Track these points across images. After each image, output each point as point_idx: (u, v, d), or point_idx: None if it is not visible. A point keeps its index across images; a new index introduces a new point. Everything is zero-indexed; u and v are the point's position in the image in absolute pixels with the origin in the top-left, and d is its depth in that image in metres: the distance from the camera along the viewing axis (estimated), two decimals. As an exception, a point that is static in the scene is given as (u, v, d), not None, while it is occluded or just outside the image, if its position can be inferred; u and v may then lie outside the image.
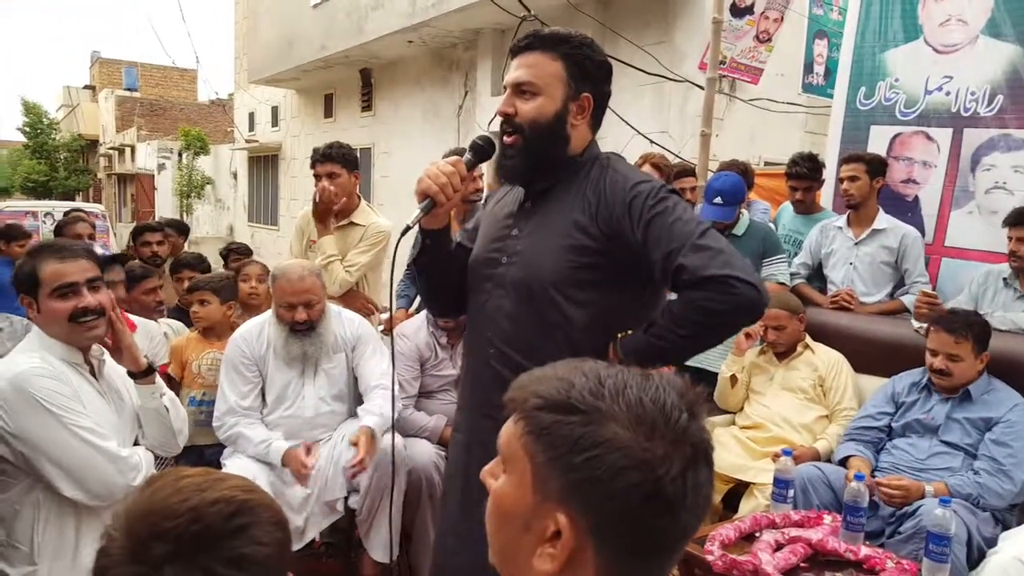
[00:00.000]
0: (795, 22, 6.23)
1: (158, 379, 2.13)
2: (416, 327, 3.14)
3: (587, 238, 1.59)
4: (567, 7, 6.65)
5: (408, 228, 1.64)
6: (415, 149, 9.62)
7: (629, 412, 0.71)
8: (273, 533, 0.87)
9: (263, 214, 16.05)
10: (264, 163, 15.75)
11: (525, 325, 1.64)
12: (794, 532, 2.29)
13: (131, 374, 2.08)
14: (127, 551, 0.82)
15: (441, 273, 1.84)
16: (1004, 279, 3.14)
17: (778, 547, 2.22)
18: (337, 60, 10.68)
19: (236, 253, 4.81)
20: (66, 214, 5.16)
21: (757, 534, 2.33)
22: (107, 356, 2.06)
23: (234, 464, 2.69)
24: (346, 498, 2.75)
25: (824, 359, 3.19)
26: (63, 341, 1.92)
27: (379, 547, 2.76)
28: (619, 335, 1.58)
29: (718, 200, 3.47)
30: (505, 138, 1.66)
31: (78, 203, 15.74)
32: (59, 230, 4.79)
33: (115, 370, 2.08)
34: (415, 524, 2.89)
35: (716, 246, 1.48)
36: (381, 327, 3.49)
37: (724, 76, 5.80)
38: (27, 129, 30.37)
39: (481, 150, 1.71)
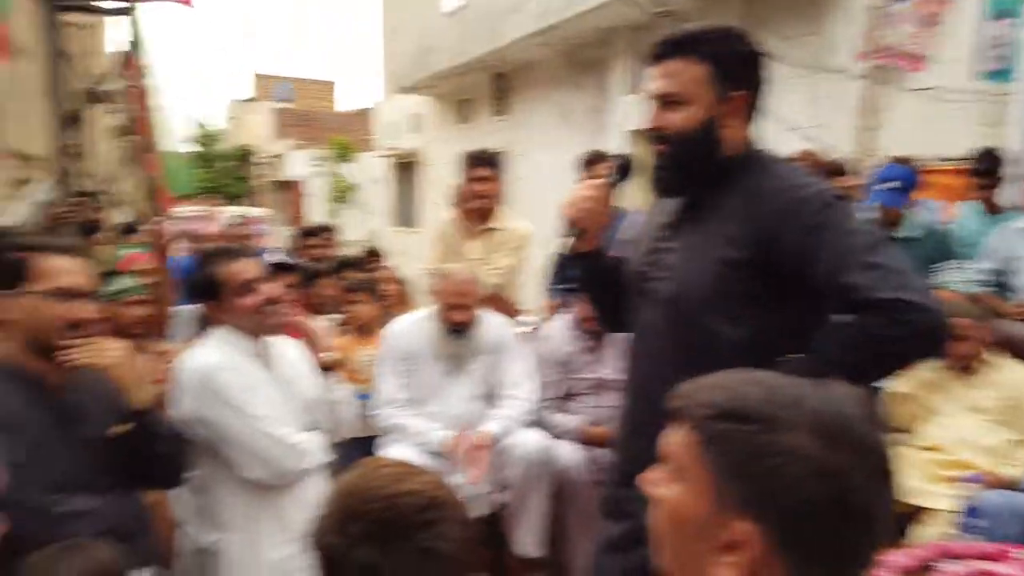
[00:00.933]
0: (967, 1, 5.70)
1: (332, 375, 2.31)
2: (560, 329, 3.18)
3: (742, 251, 1.46)
4: (705, 0, 6.46)
5: (563, 257, 1.66)
6: (549, 151, 9.68)
7: (810, 421, 0.71)
8: (459, 531, 0.93)
9: (404, 218, 16.73)
10: (405, 169, 16.42)
11: (675, 344, 1.56)
12: (979, 566, 2.10)
13: (310, 368, 2.26)
14: (333, 523, 0.92)
15: (604, 292, 1.81)
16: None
17: None
18: (472, 66, 10.94)
19: (372, 256, 5.10)
20: (234, 218, 5.62)
21: (934, 565, 2.15)
22: (278, 348, 2.25)
23: (393, 452, 2.82)
24: (491, 490, 2.84)
25: (1014, 376, 2.88)
26: (248, 333, 2.12)
27: (523, 542, 2.85)
28: (778, 360, 1.46)
29: (890, 185, 3.29)
30: (656, 151, 1.59)
31: (245, 208, 17.03)
32: (229, 234, 5.26)
33: (287, 360, 2.26)
34: (559, 523, 2.93)
35: (890, 264, 1.33)
36: (524, 329, 3.56)
37: (884, 65, 5.42)
38: (197, 141, 33.38)
39: (623, 171, 1.69)
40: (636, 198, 3.35)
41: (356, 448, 2.89)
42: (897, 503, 2.76)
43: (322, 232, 5.34)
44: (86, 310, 1.72)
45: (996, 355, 2.96)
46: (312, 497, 2.20)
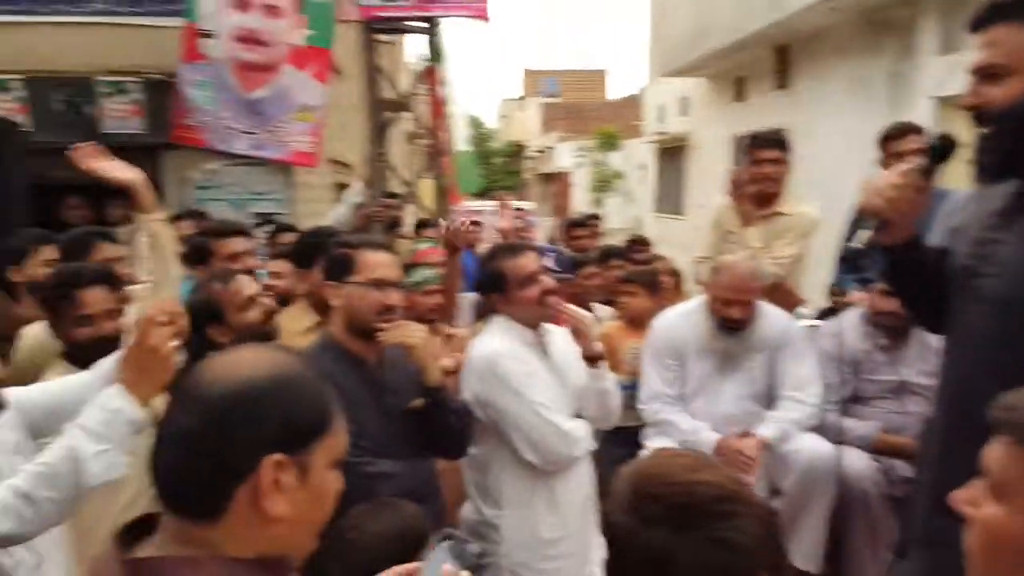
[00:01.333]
0: None
1: (603, 365, 2.38)
2: (851, 325, 2.91)
3: None
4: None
5: (859, 251, 1.51)
6: (839, 126, 8.88)
7: None
8: (756, 528, 0.90)
9: (670, 204, 16.53)
10: (672, 154, 16.21)
11: (1004, 352, 1.35)
12: None
13: (584, 357, 2.34)
14: (628, 503, 0.94)
15: (917, 288, 1.62)
16: None
17: None
18: (751, 41, 10.41)
19: (638, 245, 5.06)
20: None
21: None
22: (553, 337, 2.36)
23: (658, 444, 2.83)
24: (765, 498, 2.70)
25: None
26: (527, 324, 2.27)
27: (800, 553, 2.67)
28: None
29: None
30: (980, 130, 1.40)
31: (514, 202, 18.14)
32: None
33: (562, 350, 2.37)
34: (844, 537, 2.71)
35: None
36: (807, 323, 3.33)
37: None
38: (471, 140, 36.17)
39: (940, 151, 1.46)
40: (959, 177, 2.94)
41: (621, 438, 2.93)
42: None
43: (588, 222, 5.49)
44: (396, 298, 1.99)
45: None
46: (579, 483, 2.30)
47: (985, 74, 1.37)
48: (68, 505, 1.35)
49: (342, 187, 5.76)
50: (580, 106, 31.94)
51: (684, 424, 2.81)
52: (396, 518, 1.54)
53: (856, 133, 7.68)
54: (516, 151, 36.64)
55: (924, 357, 2.74)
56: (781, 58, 10.76)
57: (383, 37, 5.40)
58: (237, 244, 2.71)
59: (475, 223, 5.80)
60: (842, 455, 2.66)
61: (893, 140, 3.17)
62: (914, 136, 3.07)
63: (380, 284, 1.95)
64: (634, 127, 22.39)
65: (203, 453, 0.84)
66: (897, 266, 1.58)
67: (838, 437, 2.74)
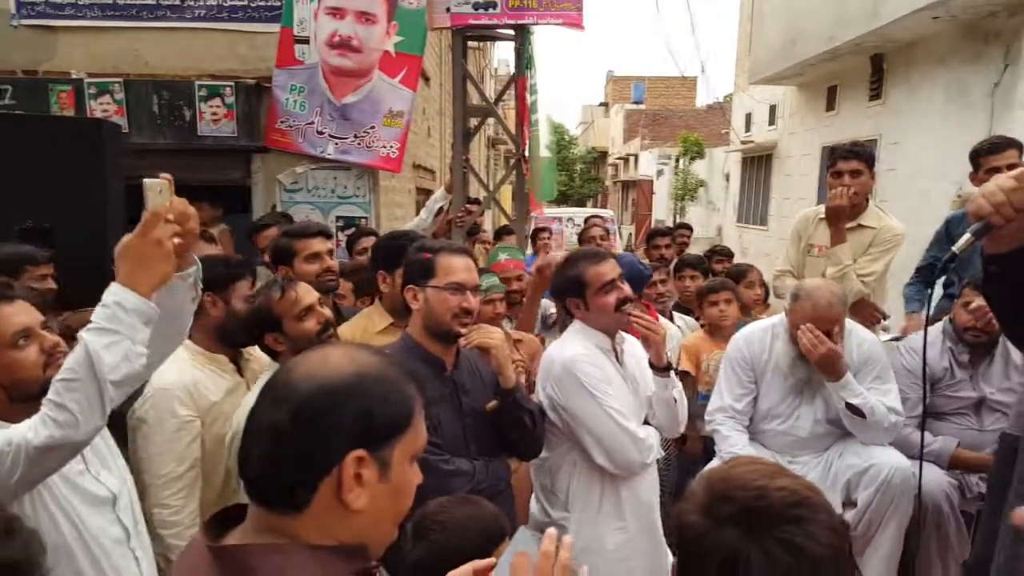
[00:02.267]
0: None
1: (672, 374, 2.39)
2: (930, 341, 2.83)
3: None
4: None
5: (954, 256, 1.42)
6: (931, 138, 8.52)
7: None
8: (828, 536, 0.92)
9: (753, 214, 16.14)
10: (757, 163, 15.82)
11: None
12: None
13: (652, 366, 2.37)
14: (701, 504, 0.97)
15: (1015, 301, 1.53)
16: None
17: None
18: (845, 50, 10.10)
19: (720, 255, 5.00)
20: (586, 220, 6.03)
21: None
22: (627, 345, 2.39)
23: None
24: (840, 512, 2.66)
25: None
26: (604, 330, 2.31)
27: (873, 569, 2.60)
28: None
29: None
30: None
31: (593, 209, 18.12)
32: (582, 234, 5.63)
33: (634, 357, 2.40)
34: (919, 555, 2.63)
35: None
36: (889, 337, 3.24)
37: None
38: (553, 146, 36.17)
39: None
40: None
41: (699, 447, 2.91)
42: None
43: (674, 231, 5.46)
44: (473, 302, 2.06)
45: None
46: (646, 490, 2.32)
47: None
48: (98, 403, 1.39)
49: (424, 192, 5.92)
50: (664, 113, 31.53)
51: (731, 443, 2.75)
52: (477, 512, 1.57)
53: (951, 146, 7.35)
54: (598, 157, 36.48)
55: (1007, 374, 2.65)
56: (875, 67, 10.39)
57: (472, 44, 5.49)
58: (318, 244, 2.78)
59: (542, 229, 5.88)
60: (918, 470, 2.60)
61: (989, 155, 3.05)
62: (1013, 151, 2.95)
63: (459, 288, 2.02)
64: (720, 135, 21.96)
65: (289, 447, 0.87)
66: (996, 277, 1.51)
67: (914, 452, 2.67)
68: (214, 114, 4.91)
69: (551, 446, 2.31)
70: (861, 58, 10.41)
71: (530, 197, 4.91)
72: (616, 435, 2.18)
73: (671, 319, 3.73)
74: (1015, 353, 2.65)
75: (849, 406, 2.59)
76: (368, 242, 3.52)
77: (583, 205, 30.04)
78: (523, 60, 4.84)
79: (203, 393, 2.13)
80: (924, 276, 3.65)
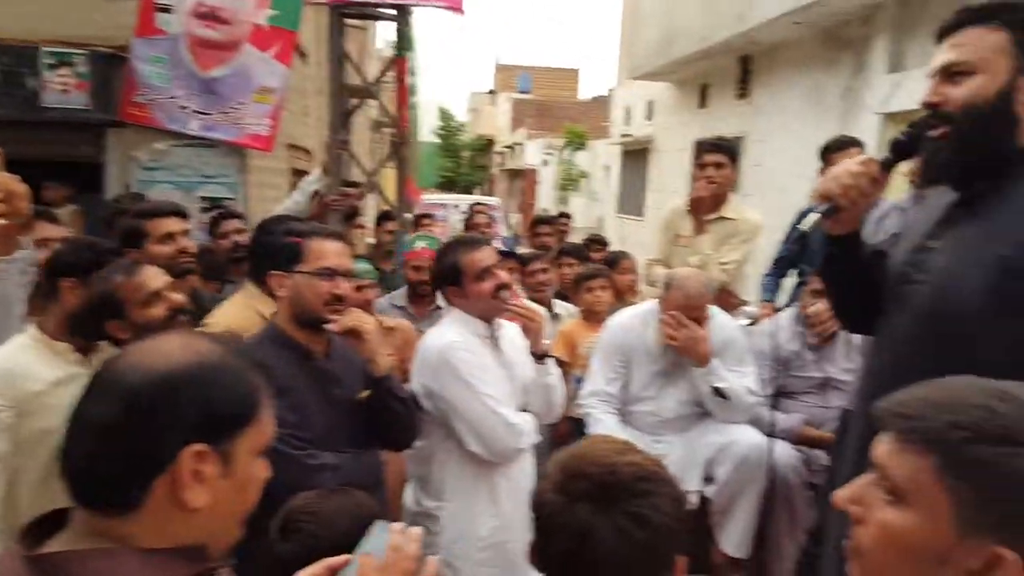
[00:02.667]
0: None
1: (550, 361, 2.42)
2: (784, 325, 3.03)
3: None
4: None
5: (802, 233, 1.54)
6: (792, 136, 9.12)
7: None
8: (671, 507, 0.97)
9: (631, 206, 16.72)
10: (636, 156, 16.39)
11: (932, 362, 1.29)
12: None
13: (531, 353, 2.39)
14: (557, 483, 1.00)
15: (849, 284, 1.62)
16: None
17: None
18: (716, 50, 10.62)
19: (597, 244, 5.15)
20: (471, 207, 6.02)
21: None
22: (505, 331, 2.39)
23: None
24: (701, 488, 2.80)
25: None
26: (481, 317, 2.30)
27: (731, 540, 2.78)
28: None
29: None
30: (931, 132, 1.39)
31: (479, 197, 18.16)
32: (467, 221, 5.65)
33: (511, 344, 2.40)
34: (767, 523, 2.82)
35: None
36: (744, 321, 3.44)
37: None
38: (440, 132, 35.92)
39: (902, 147, 1.47)
40: (896, 186, 3.06)
41: (571, 429, 2.98)
42: None
43: (556, 220, 5.56)
44: (346, 287, 1.99)
45: None
46: (521, 477, 2.34)
47: (948, 73, 1.36)
48: None
49: (301, 174, 5.70)
50: (550, 104, 32.03)
51: (603, 425, 2.83)
52: (349, 501, 1.54)
53: (808, 144, 7.90)
54: (484, 146, 36.57)
55: (848, 356, 2.89)
56: (743, 68, 10.98)
57: (352, 22, 5.35)
58: (171, 224, 2.57)
59: (427, 215, 5.84)
60: (771, 447, 2.76)
61: (836, 152, 3.30)
62: (855, 149, 3.20)
63: (330, 273, 1.95)
64: (602, 128, 22.55)
65: (119, 443, 0.81)
66: (835, 259, 1.60)
67: (768, 429, 2.84)
68: (63, 84, 4.49)
69: (426, 435, 2.29)
70: (731, 59, 10.98)
71: (409, 182, 4.84)
72: (490, 422, 2.19)
73: (551, 307, 3.79)
74: (857, 336, 2.89)
75: (714, 389, 2.72)
76: (232, 225, 3.34)
77: (470, 192, 30.03)
78: (403, 41, 4.75)
79: (22, 382, 1.89)
80: (781, 267, 3.91)
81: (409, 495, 2.40)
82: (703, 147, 3.47)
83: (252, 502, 0.93)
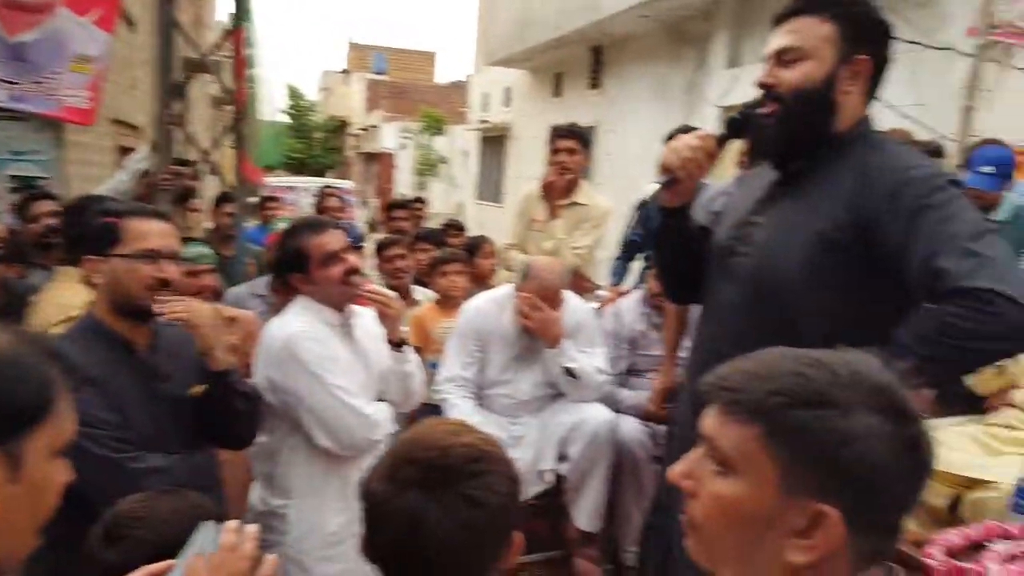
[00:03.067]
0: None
1: (407, 348, 2.35)
2: (630, 305, 3.16)
3: (838, 230, 1.39)
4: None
5: (643, 203, 1.62)
6: (641, 126, 9.53)
7: (877, 398, 0.71)
8: (505, 485, 0.97)
9: (490, 192, 16.86)
10: (494, 143, 16.50)
11: (754, 327, 1.45)
12: None
13: (388, 341, 2.31)
14: (385, 470, 0.97)
15: (678, 255, 1.74)
16: None
17: (1011, 559, 1.96)
18: (569, 39, 10.86)
19: (454, 229, 5.13)
20: (321, 190, 5.78)
21: (988, 544, 2.07)
22: (358, 319, 2.30)
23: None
24: (555, 466, 2.86)
25: None
26: (331, 304, 2.19)
27: (584, 515, 2.87)
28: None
29: (987, 169, 3.12)
30: (761, 109, 1.49)
31: (330, 180, 17.60)
32: (317, 205, 5.37)
33: (366, 332, 2.31)
34: (616, 497, 2.94)
35: (989, 253, 1.25)
36: (595, 304, 3.56)
37: (998, 42, 5.03)
38: (290, 111, 34.41)
39: (737, 124, 1.56)
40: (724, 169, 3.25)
41: (426, 415, 2.94)
42: (951, 483, 2.72)
43: (411, 204, 5.46)
44: (173, 271, 1.80)
45: None
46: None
47: (782, 58, 1.46)
48: None
49: (127, 151, 5.24)
50: (407, 86, 31.53)
51: (460, 410, 2.84)
52: (181, 502, 1.42)
53: (656, 134, 8.28)
54: (338, 127, 35.48)
55: (689, 333, 3.04)
56: (595, 58, 11.33)
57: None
58: None
59: (271, 198, 5.54)
60: (619, 423, 2.89)
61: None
62: None
63: (152, 256, 1.76)
64: (460, 113, 22.52)
65: None
66: (668, 230, 1.71)
67: (616, 406, 2.97)
68: None
69: (270, 429, 2.16)
70: (583, 49, 11.29)
71: (245, 162, 4.55)
72: (340, 413, 2.09)
73: (409, 293, 3.72)
74: (695, 312, 3.06)
75: (565, 370, 2.78)
76: (44, 207, 2.98)
77: (323, 175, 29.05)
78: (240, 11, 4.44)
79: None
80: (629, 251, 4.06)
81: (255, 494, 2.26)
82: (556, 132, 3.53)
83: (49, 508, 0.85)
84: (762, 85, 1.49)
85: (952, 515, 2.66)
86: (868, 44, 1.45)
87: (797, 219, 1.47)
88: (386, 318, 2.27)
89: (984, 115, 5.19)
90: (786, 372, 0.74)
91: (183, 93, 4.70)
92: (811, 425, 0.70)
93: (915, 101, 5.81)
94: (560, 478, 2.88)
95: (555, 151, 3.47)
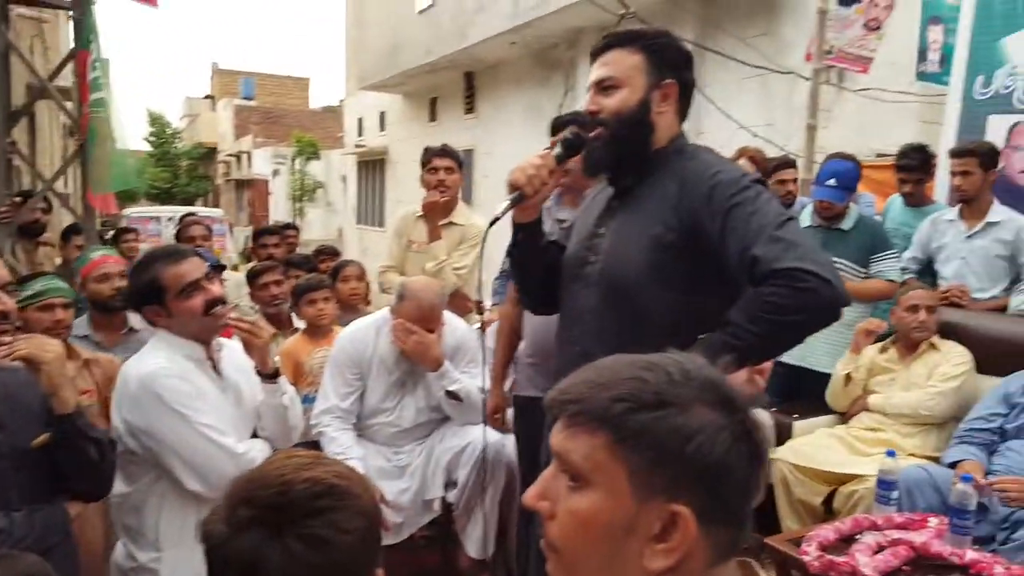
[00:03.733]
0: (907, 8, 5.85)
1: (282, 379, 2.24)
2: None
3: (670, 232, 1.58)
4: (667, 2, 6.54)
5: (496, 220, 1.68)
6: (516, 150, 9.72)
7: (709, 393, 0.74)
8: (356, 521, 0.90)
9: (371, 216, 16.64)
10: (372, 167, 16.33)
11: (611, 324, 1.64)
12: (896, 535, 2.20)
13: (259, 373, 2.19)
14: (224, 510, 0.89)
15: (533, 268, 1.87)
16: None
17: (879, 549, 2.14)
18: (442, 64, 10.95)
19: (325, 254, 5.03)
20: (182, 218, 5.49)
21: (858, 536, 2.25)
22: (226, 352, 2.17)
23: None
24: (443, 494, 2.81)
25: (950, 355, 3.02)
26: (194, 337, 2.03)
27: (475, 542, 2.81)
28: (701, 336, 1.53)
29: (832, 182, 3.40)
30: (591, 134, 1.68)
31: (199, 208, 16.77)
32: (178, 234, 5.07)
33: (235, 365, 2.18)
34: (510, 520, 2.91)
35: (792, 238, 1.44)
36: (475, 324, 3.58)
37: (831, 66, 5.55)
38: (152, 139, 32.60)
39: (571, 144, 1.71)
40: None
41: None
42: (825, 480, 2.94)
43: (282, 231, 5.29)
44: (9, 304, 1.63)
45: (939, 339, 3.10)
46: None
47: (601, 88, 1.65)
48: None
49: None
50: (279, 112, 30.63)
51: (340, 442, 2.75)
52: (11, 567, 1.26)
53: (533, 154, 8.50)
54: (205, 154, 33.92)
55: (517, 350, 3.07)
56: (469, 84, 11.50)
57: (23, 11, 4.59)
58: None
59: (128, 230, 5.20)
60: (505, 443, 2.86)
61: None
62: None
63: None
64: (335, 137, 22.12)
65: None
66: (520, 244, 1.82)
67: (506, 427, 2.93)
68: None
69: (133, 479, 1.98)
70: (457, 74, 11.44)
71: (89, 192, 4.23)
72: (210, 454, 1.94)
73: (290, 321, 3.59)
74: (528, 325, 3.12)
75: (448, 393, 2.76)
76: None
77: (191, 204, 27.58)
78: (83, 33, 4.16)
79: None
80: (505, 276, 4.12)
81: (119, 551, 2.07)
82: (431, 153, 3.54)
83: None
84: (588, 112, 1.68)
85: (827, 511, 2.87)
86: (673, 70, 1.64)
87: (634, 227, 1.65)
88: (253, 348, 2.15)
89: (824, 133, 5.69)
90: (624, 378, 0.75)
91: (18, 120, 4.35)
92: (654, 426, 0.72)
93: (765, 121, 6.30)
94: (449, 506, 2.84)
95: (433, 171, 3.47)
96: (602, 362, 0.79)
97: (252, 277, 3.63)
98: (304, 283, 3.39)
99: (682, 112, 1.69)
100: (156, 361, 1.99)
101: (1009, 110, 3.69)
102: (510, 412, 2.87)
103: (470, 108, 11.51)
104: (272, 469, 0.92)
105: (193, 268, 2.02)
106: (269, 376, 2.19)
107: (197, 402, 1.98)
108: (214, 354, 2.11)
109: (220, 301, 2.05)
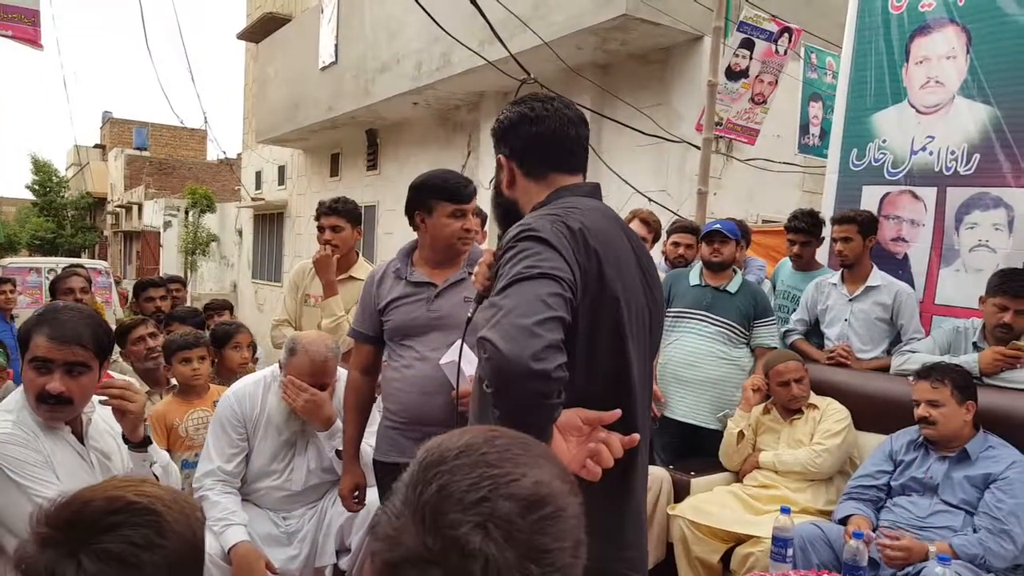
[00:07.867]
0: (791, 85, 6.36)
1: (152, 447, 2.06)
2: None
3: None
4: (566, 71, 6.80)
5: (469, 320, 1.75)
6: (418, 207, 9.75)
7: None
8: (156, 540, 0.91)
9: (267, 271, 16.14)
10: (269, 221, 15.93)
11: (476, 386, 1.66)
12: None
13: (126, 440, 2.01)
14: (31, 532, 0.91)
15: None
16: (974, 343, 3.14)
17: None
18: (344, 121, 10.92)
19: (217, 309, 4.79)
20: (64, 269, 5.13)
21: None
22: (97, 415, 2.00)
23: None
24: (336, 560, 2.66)
25: (830, 413, 3.16)
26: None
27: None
28: None
29: (717, 225, 3.65)
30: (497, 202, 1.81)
31: (80, 260, 15.82)
32: (54, 284, 4.70)
33: (105, 431, 2.01)
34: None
35: (503, 303, 1.30)
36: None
37: (720, 137, 5.89)
38: (36, 187, 30.79)
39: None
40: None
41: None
42: (723, 539, 2.97)
43: (166, 284, 5.01)
44: None
45: (817, 398, 3.25)
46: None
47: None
48: None
49: None
50: (173, 163, 29.60)
51: (221, 508, 2.56)
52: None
53: (435, 214, 8.53)
54: (94, 204, 32.20)
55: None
56: (371, 140, 11.51)
57: None
58: None
59: (5, 280, 4.82)
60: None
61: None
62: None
63: None
64: (232, 190, 21.51)
65: None
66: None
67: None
68: None
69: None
70: (359, 130, 11.43)
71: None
72: None
73: (166, 379, 3.35)
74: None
75: (339, 452, 2.62)
76: None
77: (77, 255, 25.94)
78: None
79: None
80: None
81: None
82: (320, 209, 3.48)
83: None
84: (495, 187, 1.81)
85: (724, 567, 2.89)
86: (502, 145, 1.73)
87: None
88: (124, 414, 1.95)
89: (715, 199, 6.00)
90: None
91: None
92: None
93: (659, 187, 6.59)
94: (342, 573, 2.68)
95: (321, 228, 3.43)
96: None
97: (123, 332, 3.37)
98: (179, 339, 3.10)
99: (534, 173, 1.68)
100: (3, 425, 1.80)
101: (880, 181, 3.95)
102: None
103: (372, 164, 11.49)
104: (84, 490, 0.94)
105: (58, 351, 1.80)
106: (138, 444, 2.01)
107: (43, 473, 1.79)
108: (84, 416, 1.93)
109: (55, 398, 1.80)
